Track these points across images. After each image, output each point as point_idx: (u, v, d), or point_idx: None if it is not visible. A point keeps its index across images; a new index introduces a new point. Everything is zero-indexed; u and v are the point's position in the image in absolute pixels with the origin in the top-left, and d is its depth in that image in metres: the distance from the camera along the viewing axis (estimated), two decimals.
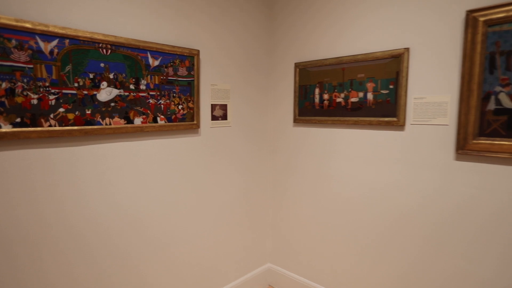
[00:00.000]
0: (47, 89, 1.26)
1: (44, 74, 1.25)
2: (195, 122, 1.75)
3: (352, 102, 1.80)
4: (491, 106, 1.36)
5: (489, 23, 1.33)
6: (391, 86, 1.65)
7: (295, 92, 2.07)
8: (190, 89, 1.71)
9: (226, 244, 2.04)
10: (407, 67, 1.59)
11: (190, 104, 1.72)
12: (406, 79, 1.59)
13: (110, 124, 1.43)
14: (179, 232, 1.76)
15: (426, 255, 1.59)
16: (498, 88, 1.34)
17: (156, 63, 1.56)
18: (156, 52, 1.55)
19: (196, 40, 1.75)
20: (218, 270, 2.00)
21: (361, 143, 1.80)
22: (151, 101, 1.56)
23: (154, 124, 1.57)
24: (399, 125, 1.63)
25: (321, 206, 2.02)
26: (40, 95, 1.24)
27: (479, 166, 1.42)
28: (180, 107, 1.68)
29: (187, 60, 1.68)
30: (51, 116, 1.27)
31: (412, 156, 1.61)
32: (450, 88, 1.48)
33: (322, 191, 2.00)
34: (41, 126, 1.25)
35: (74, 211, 1.36)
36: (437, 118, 1.52)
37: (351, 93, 1.80)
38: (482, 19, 1.35)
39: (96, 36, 1.35)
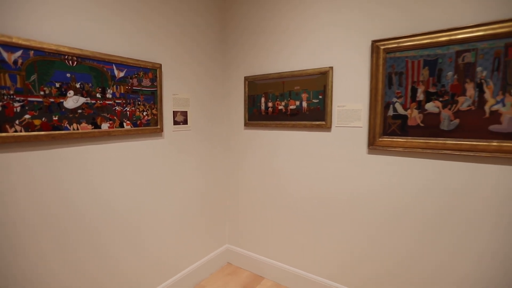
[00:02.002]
0: (12, 96, 1.16)
1: (8, 83, 1.15)
2: (158, 126, 1.73)
3: (291, 109, 1.93)
4: (390, 112, 1.58)
5: (387, 51, 1.55)
6: (320, 97, 1.80)
7: (245, 100, 2.15)
8: (153, 98, 1.69)
9: (190, 230, 2.05)
10: (332, 82, 1.75)
11: (154, 111, 1.70)
12: (331, 91, 1.76)
13: (77, 129, 1.35)
14: (149, 221, 1.72)
15: (348, 226, 1.79)
16: (394, 99, 1.56)
17: (122, 74, 1.51)
18: (121, 64, 1.51)
19: (159, 55, 1.74)
20: (184, 253, 2.00)
21: (298, 142, 1.94)
22: (117, 108, 1.51)
23: (120, 129, 1.52)
24: (327, 127, 1.79)
25: (268, 193, 2.12)
26: (4, 102, 1.14)
27: (383, 157, 1.63)
28: (144, 113, 1.64)
29: (151, 72, 1.66)
30: (17, 122, 1.18)
31: (337, 151, 1.79)
32: (362, 98, 1.67)
33: (269, 181, 2.11)
34: (6, 131, 1.15)
35: (35, 212, 1.27)
36: (354, 122, 1.71)
37: (290, 101, 1.93)
38: (382, 47, 1.56)
39: (61, 49, 1.28)
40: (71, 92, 1.33)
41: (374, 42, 1.58)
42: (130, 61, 1.54)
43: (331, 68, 1.74)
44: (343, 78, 1.72)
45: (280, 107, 1.98)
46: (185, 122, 1.95)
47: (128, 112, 1.56)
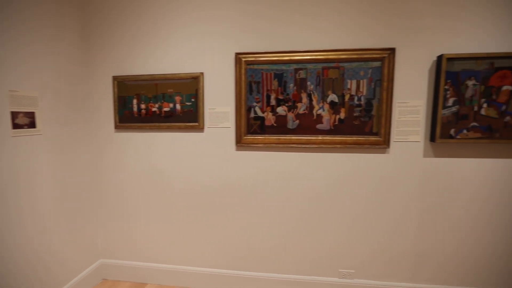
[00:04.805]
0: None
1: None
2: None
3: (165, 111, 1.85)
4: (252, 114, 1.77)
5: (247, 63, 1.73)
6: (193, 100, 1.81)
7: (114, 101, 1.89)
8: None
9: (54, 251, 1.63)
10: (203, 86, 1.80)
11: None
12: (203, 95, 1.80)
13: None
14: None
15: (222, 213, 1.89)
16: (254, 104, 1.76)
17: None
18: None
19: None
20: (49, 278, 1.57)
21: (174, 142, 1.88)
22: None
23: None
24: (200, 128, 1.83)
25: (146, 196, 1.97)
26: None
27: (249, 153, 1.82)
28: None
29: None
30: None
31: (209, 149, 1.85)
32: (230, 102, 1.79)
33: (146, 183, 1.95)
34: None
35: None
36: (224, 123, 1.81)
37: (163, 104, 1.85)
38: (244, 59, 1.73)
39: None
40: None
41: (237, 54, 1.72)
42: None
43: (202, 73, 1.78)
44: (213, 83, 1.79)
45: (154, 109, 1.86)
46: (32, 125, 1.53)
47: None
